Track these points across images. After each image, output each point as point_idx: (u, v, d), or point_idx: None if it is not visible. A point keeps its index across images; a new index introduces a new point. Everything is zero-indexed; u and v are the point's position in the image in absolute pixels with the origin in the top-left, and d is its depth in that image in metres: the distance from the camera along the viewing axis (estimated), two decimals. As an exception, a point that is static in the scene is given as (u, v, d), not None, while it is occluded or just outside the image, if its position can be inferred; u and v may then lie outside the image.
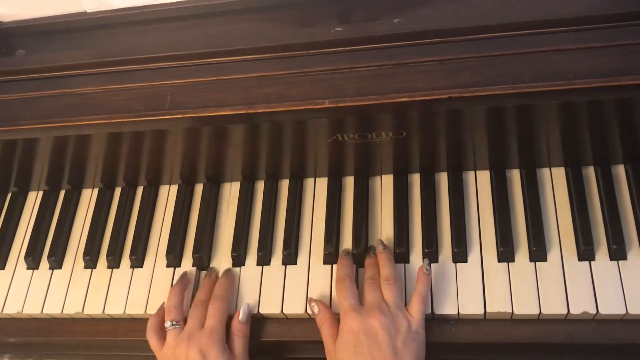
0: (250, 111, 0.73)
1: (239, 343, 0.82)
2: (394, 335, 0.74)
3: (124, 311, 0.89)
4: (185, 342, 0.80)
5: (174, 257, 0.91)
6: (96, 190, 1.01)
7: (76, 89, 0.79)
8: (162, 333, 0.84)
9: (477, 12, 0.73)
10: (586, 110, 0.73)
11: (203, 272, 0.90)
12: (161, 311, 0.86)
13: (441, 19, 0.72)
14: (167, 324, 0.82)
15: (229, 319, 0.84)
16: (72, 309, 0.91)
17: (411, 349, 0.74)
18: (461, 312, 0.79)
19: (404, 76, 0.70)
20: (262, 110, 0.72)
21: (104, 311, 0.90)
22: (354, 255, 0.86)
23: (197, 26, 0.82)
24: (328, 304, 0.83)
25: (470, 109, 0.72)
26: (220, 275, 0.88)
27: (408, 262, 0.85)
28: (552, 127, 0.77)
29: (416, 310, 0.77)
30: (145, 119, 0.75)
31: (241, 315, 0.83)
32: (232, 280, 0.87)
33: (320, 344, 0.85)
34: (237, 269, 0.89)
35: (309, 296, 0.84)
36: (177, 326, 0.82)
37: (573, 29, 0.69)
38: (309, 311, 0.83)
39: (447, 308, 0.79)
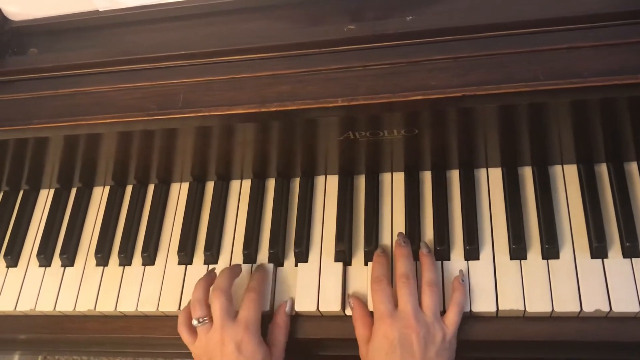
0: (263, 110, 0.73)
1: (281, 335, 0.82)
2: (429, 346, 0.74)
3: (136, 309, 0.89)
4: (219, 334, 0.78)
5: (185, 255, 0.91)
6: (107, 188, 1.01)
7: (88, 87, 0.79)
8: (193, 327, 0.83)
9: (490, 9, 0.72)
10: (600, 107, 0.72)
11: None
12: (190, 305, 0.85)
13: (454, 16, 0.72)
14: (194, 322, 0.81)
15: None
16: (84, 306, 0.91)
17: (444, 359, 0.75)
18: (473, 309, 0.79)
19: (417, 74, 0.70)
20: (275, 109, 0.72)
21: (116, 309, 0.90)
22: (365, 254, 0.86)
23: (210, 24, 0.82)
24: (340, 301, 0.83)
25: (483, 106, 0.72)
26: (255, 268, 0.88)
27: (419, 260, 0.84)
28: (564, 125, 0.77)
29: (452, 320, 0.77)
30: (158, 117, 0.75)
31: (288, 307, 0.83)
32: (266, 275, 0.86)
33: (332, 341, 0.86)
34: (247, 266, 0.89)
35: (320, 293, 0.84)
36: (206, 322, 0.80)
37: (587, 27, 0.68)
38: (322, 309, 0.83)
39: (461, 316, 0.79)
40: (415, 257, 0.84)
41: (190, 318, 0.83)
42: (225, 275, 0.84)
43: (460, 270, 0.81)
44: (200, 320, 0.81)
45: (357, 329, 0.80)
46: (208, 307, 0.82)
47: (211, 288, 0.83)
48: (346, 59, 0.73)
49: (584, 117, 0.75)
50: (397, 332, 0.75)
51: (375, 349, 0.76)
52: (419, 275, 0.82)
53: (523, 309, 0.78)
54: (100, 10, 0.85)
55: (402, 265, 0.81)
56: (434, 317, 0.77)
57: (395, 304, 0.79)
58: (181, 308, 0.88)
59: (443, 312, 0.79)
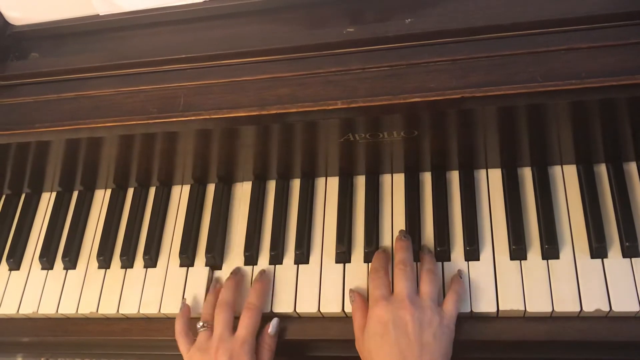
0: (263, 112, 0.73)
1: (267, 356, 0.82)
2: (424, 328, 0.74)
3: (138, 311, 0.90)
4: (215, 346, 0.80)
5: (187, 257, 0.91)
6: (109, 191, 1.01)
7: (89, 91, 0.80)
8: (190, 335, 0.84)
9: (489, 11, 0.73)
10: (598, 108, 0.73)
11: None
12: (185, 312, 0.86)
13: (453, 18, 0.72)
14: (199, 324, 0.83)
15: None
16: (86, 308, 0.92)
17: (441, 342, 0.74)
18: (474, 309, 0.79)
19: (416, 76, 0.70)
20: (275, 112, 0.73)
21: (118, 311, 0.90)
22: (365, 255, 0.86)
23: (209, 28, 0.82)
24: (341, 302, 0.83)
25: (483, 108, 0.72)
26: (255, 277, 0.88)
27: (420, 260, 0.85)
28: (563, 125, 0.77)
29: (450, 306, 0.77)
30: (159, 121, 0.76)
31: (271, 329, 0.83)
32: (267, 287, 0.86)
33: (333, 342, 0.86)
34: (249, 268, 0.89)
35: (321, 294, 0.84)
36: (206, 328, 0.83)
37: (586, 28, 0.69)
38: (323, 310, 0.83)
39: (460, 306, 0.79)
40: (416, 258, 0.84)
41: (186, 326, 0.85)
42: (230, 288, 0.85)
43: (460, 270, 0.82)
44: (205, 325, 0.83)
45: (355, 319, 0.80)
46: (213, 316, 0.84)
47: (218, 300, 0.85)
48: (346, 62, 0.73)
49: (583, 117, 0.75)
50: (391, 314, 0.75)
51: (370, 333, 0.76)
52: (419, 273, 0.82)
53: (523, 309, 0.78)
54: (100, 14, 0.85)
55: (401, 254, 0.81)
56: (431, 302, 0.77)
57: (392, 292, 0.79)
58: (176, 317, 0.88)
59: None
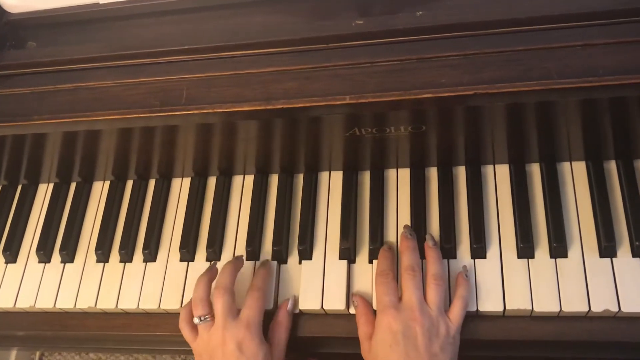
0: (269, 107, 0.71)
1: (283, 333, 0.81)
2: (433, 339, 0.74)
3: (137, 306, 0.88)
4: (220, 333, 0.77)
5: (187, 252, 0.90)
6: (107, 183, 0.99)
7: (89, 82, 0.78)
8: (194, 324, 0.81)
9: (502, 5, 0.71)
10: (611, 105, 0.71)
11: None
12: (191, 303, 0.84)
13: (465, 12, 0.70)
14: (196, 320, 0.80)
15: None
16: (84, 303, 0.90)
17: (448, 354, 0.74)
18: (480, 308, 0.78)
19: (427, 71, 0.69)
20: (281, 106, 0.71)
21: (116, 306, 0.89)
22: (370, 251, 0.85)
23: (213, 19, 0.81)
24: (344, 300, 0.82)
25: (494, 104, 0.71)
26: (259, 264, 0.87)
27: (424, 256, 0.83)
28: (574, 122, 0.76)
29: (456, 315, 0.76)
30: (161, 114, 0.74)
31: (290, 305, 0.82)
32: (271, 272, 0.85)
33: (335, 339, 0.85)
34: (250, 263, 0.88)
35: (325, 291, 0.83)
36: (207, 321, 0.80)
37: (603, 23, 0.67)
38: (326, 307, 0.82)
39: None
40: (421, 250, 0.83)
41: (192, 315, 0.82)
42: (227, 271, 0.83)
43: (464, 266, 0.81)
44: (202, 318, 0.80)
45: (359, 326, 0.80)
46: (210, 304, 0.81)
47: (213, 285, 0.82)
48: (354, 55, 0.72)
49: (595, 114, 0.74)
50: (401, 325, 0.74)
51: (378, 342, 0.76)
52: (424, 269, 0.81)
53: (530, 308, 0.77)
54: (100, 2, 0.83)
55: (408, 257, 0.80)
56: (439, 312, 0.76)
57: (400, 298, 0.78)
58: (183, 305, 0.87)
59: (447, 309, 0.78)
